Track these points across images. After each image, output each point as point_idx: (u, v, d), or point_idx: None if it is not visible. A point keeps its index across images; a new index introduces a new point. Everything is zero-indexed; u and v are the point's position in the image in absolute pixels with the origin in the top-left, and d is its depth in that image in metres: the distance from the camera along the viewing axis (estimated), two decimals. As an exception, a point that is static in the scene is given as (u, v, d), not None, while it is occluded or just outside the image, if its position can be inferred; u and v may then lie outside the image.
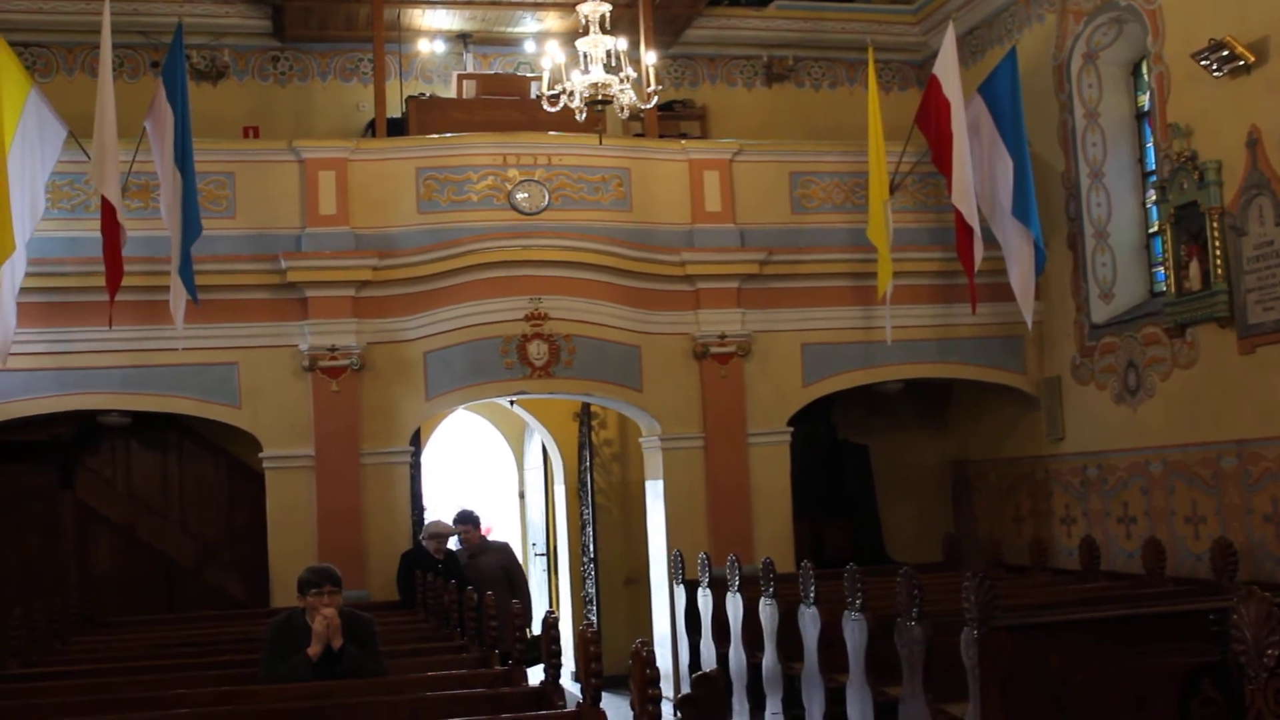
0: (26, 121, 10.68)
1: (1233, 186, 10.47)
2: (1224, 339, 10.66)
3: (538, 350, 12.07)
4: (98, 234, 10.73)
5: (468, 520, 11.95)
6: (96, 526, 12.75)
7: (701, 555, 11.73)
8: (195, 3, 13.83)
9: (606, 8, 9.94)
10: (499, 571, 11.56)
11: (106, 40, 11.01)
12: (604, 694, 5.87)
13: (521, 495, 17.01)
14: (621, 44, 9.98)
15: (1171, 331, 11.20)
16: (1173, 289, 11.08)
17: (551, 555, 15.93)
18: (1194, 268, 10.80)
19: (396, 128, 12.97)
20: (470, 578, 10.73)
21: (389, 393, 11.89)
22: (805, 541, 13.12)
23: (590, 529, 14.39)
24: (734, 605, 10.88)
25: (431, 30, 14.38)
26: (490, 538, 12.61)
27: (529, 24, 14.38)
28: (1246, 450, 10.46)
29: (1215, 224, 10.55)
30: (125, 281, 10.77)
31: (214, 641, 9.41)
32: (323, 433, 11.67)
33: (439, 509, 14.17)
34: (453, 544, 11.75)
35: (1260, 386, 10.30)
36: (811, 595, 9.36)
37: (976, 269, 11.90)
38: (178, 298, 10.70)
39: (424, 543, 11.40)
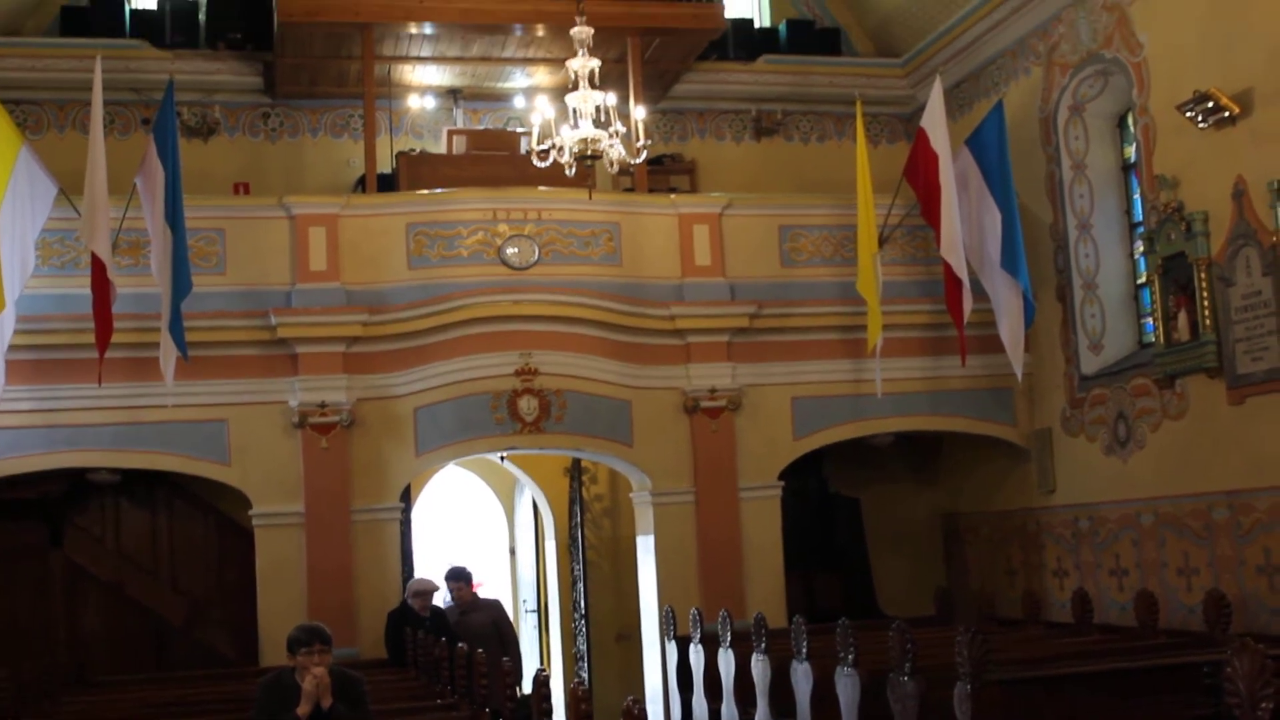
0: (17, 178, 10.70)
1: (1220, 237, 10.52)
2: (1213, 390, 10.67)
3: (528, 405, 12.05)
4: (88, 291, 10.71)
5: (460, 577, 11.86)
6: (85, 585, 12.68)
7: (693, 610, 11.69)
8: (186, 60, 13.90)
9: (596, 63, 9.99)
10: (490, 628, 11.49)
11: (98, 97, 11.04)
12: (596, 752, 5.83)
13: (512, 551, 16.95)
14: (611, 99, 10.02)
15: (1161, 382, 11.22)
16: (1161, 340, 11.10)
17: (542, 611, 15.85)
18: (1182, 318, 10.82)
19: (387, 183, 13.02)
20: (461, 635, 10.64)
21: (379, 449, 11.86)
22: (797, 595, 13.07)
23: (581, 585, 14.33)
24: (726, 661, 10.82)
25: (422, 86, 14.45)
26: (481, 594, 12.51)
27: (519, 79, 14.46)
28: (1238, 501, 10.45)
29: (1203, 275, 10.59)
30: (115, 338, 10.76)
31: (204, 701, 9.35)
32: (312, 489, 11.63)
33: (429, 566, 14.08)
34: (440, 601, 11.66)
35: (1250, 437, 10.30)
36: (804, 651, 9.32)
37: (966, 321, 11.94)
38: (168, 354, 10.69)
39: (409, 601, 11.31)
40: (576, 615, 14.45)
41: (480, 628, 11.36)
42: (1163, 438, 11.33)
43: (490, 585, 16.53)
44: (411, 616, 11.07)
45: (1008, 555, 13.54)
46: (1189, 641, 9.59)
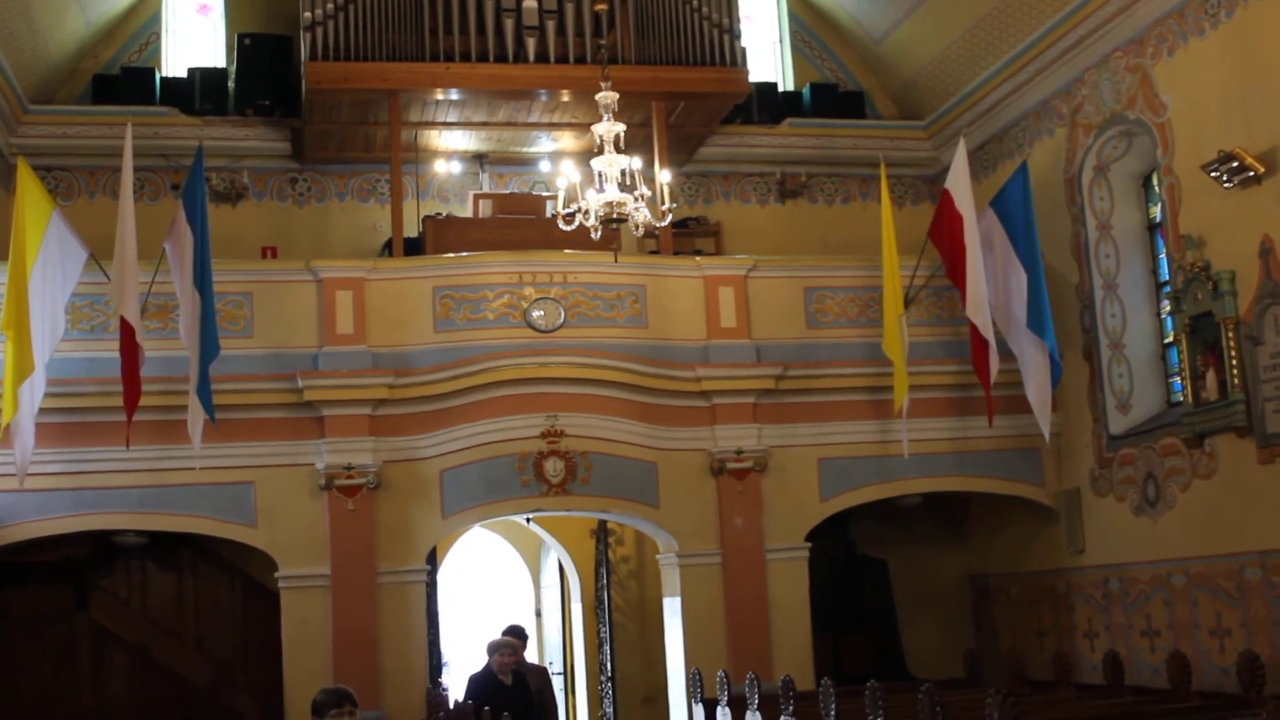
0: (49, 243, 10.83)
1: (1247, 296, 10.49)
2: (1243, 449, 10.60)
3: (554, 467, 12.04)
4: (116, 354, 10.80)
5: (518, 635, 11.55)
6: (111, 648, 12.68)
7: (720, 673, 11.60)
8: (215, 126, 14.08)
9: (621, 127, 10.06)
10: (534, 695, 11.24)
11: (128, 163, 11.18)
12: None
13: (538, 613, 16.88)
14: (636, 163, 10.09)
15: (1190, 442, 11.15)
16: (1190, 399, 11.05)
17: (569, 674, 15.77)
18: (1211, 377, 10.77)
19: (413, 247, 13.09)
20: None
21: (405, 511, 11.85)
22: (825, 658, 12.97)
23: (608, 647, 14.26)
24: (754, 724, 10.74)
25: (448, 151, 14.57)
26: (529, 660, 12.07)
27: (544, 144, 14.58)
28: (1270, 561, 10.34)
29: (1231, 334, 10.55)
30: (143, 401, 10.82)
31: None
32: (339, 552, 11.62)
33: (456, 629, 14.02)
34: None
35: (1281, 496, 10.23)
36: (832, 713, 9.24)
37: (993, 382, 11.91)
38: (195, 417, 10.74)
39: (490, 661, 10.84)
40: (603, 678, 14.37)
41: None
42: (1193, 497, 11.25)
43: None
44: (493, 683, 10.68)
45: (1037, 616, 13.42)
46: (1223, 704, 9.47)
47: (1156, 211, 12.34)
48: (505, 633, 11.56)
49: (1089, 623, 12.60)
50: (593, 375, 12.16)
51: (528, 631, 11.69)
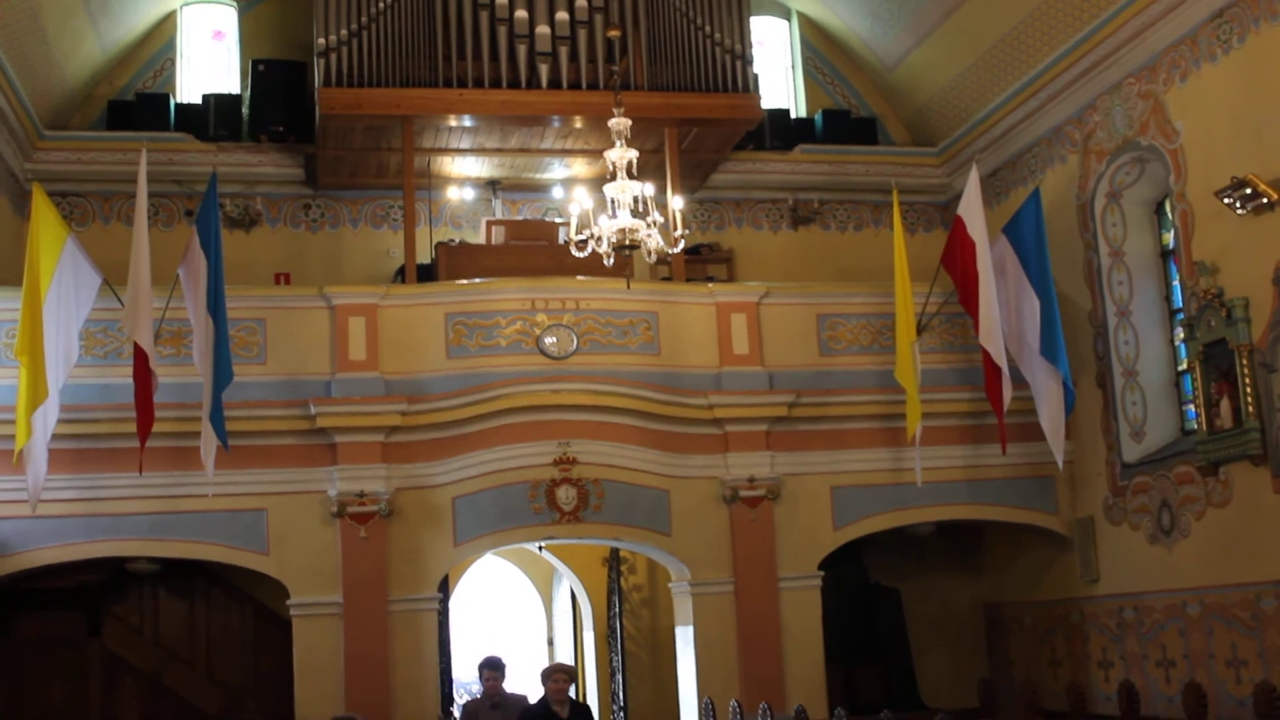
0: (63, 269, 10.86)
1: (1260, 323, 10.45)
2: (1258, 477, 10.55)
3: (566, 495, 12.02)
4: (130, 381, 10.82)
5: (495, 666, 11.50)
6: (123, 674, 12.64)
7: (733, 702, 11.52)
8: (229, 152, 14.14)
9: (634, 154, 10.07)
10: None
11: (142, 190, 11.22)
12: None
13: (550, 642, 16.85)
14: (649, 189, 10.09)
15: (1204, 470, 11.10)
16: (1204, 427, 11.01)
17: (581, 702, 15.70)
18: (1225, 405, 10.73)
19: (426, 273, 13.12)
20: None
21: (417, 538, 11.83)
22: (838, 687, 12.92)
23: (620, 676, 14.21)
24: (767, 753, 10.67)
25: (461, 177, 14.61)
26: (510, 688, 11.90)
27: (557, 170, 14.61)
28: (1286, 591, 10.30)
29: (1245, 361, 10.51)
30: (156, 428, 10.83)
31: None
32: (351, 579, 11.60)
33: (467, 656, 13.98)
34: (472, 692, 11.30)
35: (1297, 525, 10.18)
36: (846, 742, 9.19)
37: (1006, 409, 11.87)
38: (208, 444, 10.75)
39: (546, 687, 10.17)
40: (615, 707, 14.32)
41: None
42: (1207, 526, 11.19)
43: (528, 676, 16.41)
44: (548, 715, 10.01)
45: (1051, 646, 13.35)
46: (1239, 735, 9.42)
47: (1169, 238, 12.32)
48: (483, 664, 10.93)
49: (1103, 652, 12.53)
50: (605, 402, 12.14)
51: (504, 661, 11.00)
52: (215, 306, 10.87)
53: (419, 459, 11.88)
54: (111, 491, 11.31)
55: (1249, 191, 10.36)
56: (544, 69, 13.19)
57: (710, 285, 13.18)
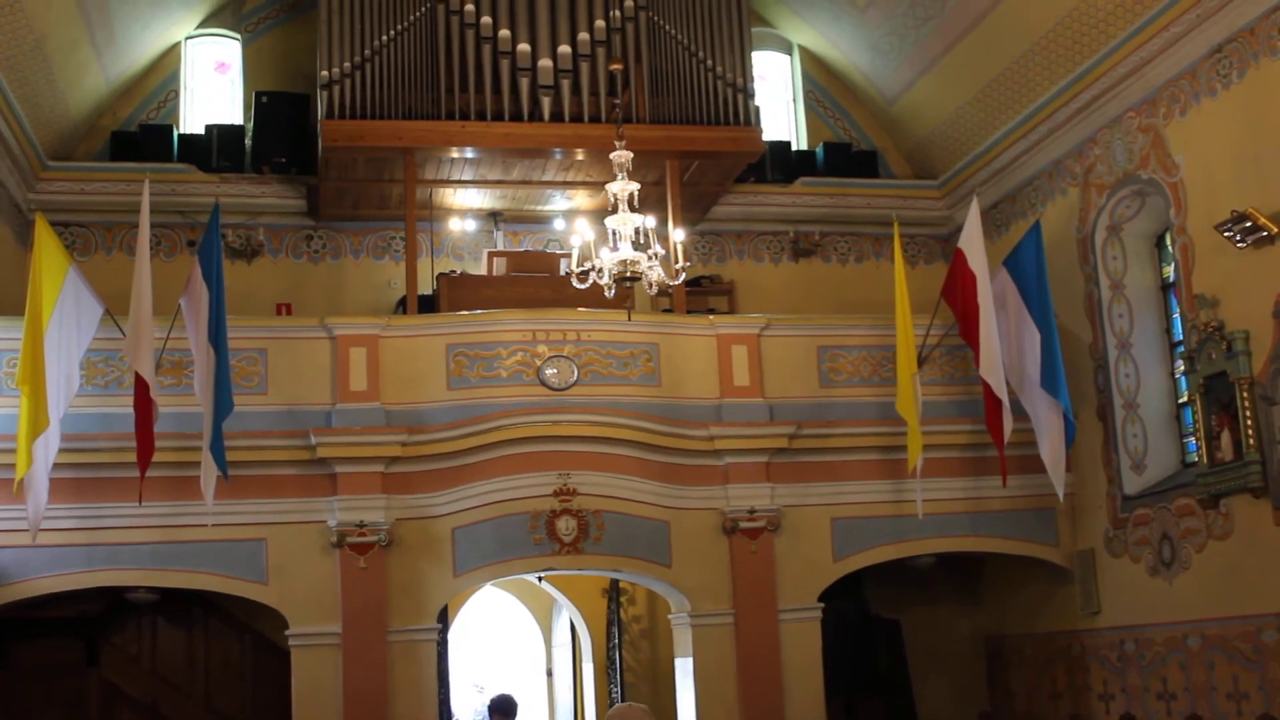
0: (65, 299, 10.87)
1: (1261, 356, 10.47)
2: (1258, 509, 10.54)
3: (566, 526, 12.01)
4: (130, 410, 10.82)
5: (506, 710, 10.49)
6: (120, 704, 12.60)
7: (733, 734, 11.53)
8: (232, 183, 14.20)
9: (635, 186, 10.10)
10: None
11: (145, 220, 11.24)
12: None
13: (549, 673, 16.79)
14: (650, 221, 10.11)
15: (1205, 502, 11.10)
16: (1205, 459, 11.01)
17: (580, 735, 15.66)
18: (1225, 438, 10.74)
19: (427, 305, 13.14)
20: None
21: (417, 569, 11.81)
22: (838, 719, 12.86)
23: (619, 707, 14.13)
24: (767, 786, 10.64)
25: (463, 209, 14.66)
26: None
27: (559, 202, 14.66)
28: (1287, 624, 10.28)
29: (1245, 394, 10.52)
30: (156, 457, 10.83)
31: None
32: (350, 610, 11.57)
33: (464, 687, 13.92)
34: None
35: (1298, 558, 10.17)
36: (846, 775, 9.16)
37: (1006, 441, 11.87)
38: (208, 474, 10.75)
39: None
40: (614, 739, 14.23)
41: None
42: (1208, 558, 11.18)
43: (527, 709, 16.35)
44: None
45: (1052, 678, 13.32)
46: (1240, 769, 9.39)
47: (1170, 271, 12.34)
48: (493, 704, 10.71)
49: (1104, 685, 12.50)
50: (605, 434, 12.14)
51: (515, 701, 10.60)
52: (216, 337, 10.89)
53: (419, 489, 11.88)
54: (111, 521, 11.30)
55: (1249, 225, 10.39)
56: (546, 102, 13.25)
57: (711, 317, 13.20)
